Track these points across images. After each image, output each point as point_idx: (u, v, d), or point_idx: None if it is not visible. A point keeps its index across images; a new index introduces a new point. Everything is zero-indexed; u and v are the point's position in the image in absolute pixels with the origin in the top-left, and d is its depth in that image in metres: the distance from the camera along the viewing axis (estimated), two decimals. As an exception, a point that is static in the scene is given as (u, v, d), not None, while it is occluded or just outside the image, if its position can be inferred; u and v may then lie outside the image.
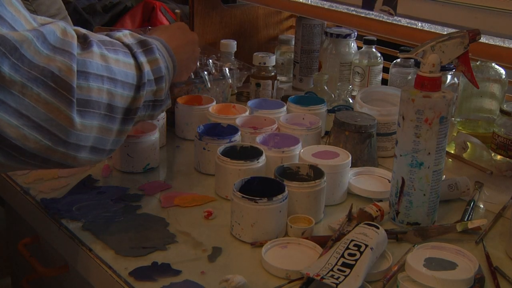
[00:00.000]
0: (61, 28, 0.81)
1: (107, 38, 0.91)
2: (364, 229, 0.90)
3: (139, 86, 0.92)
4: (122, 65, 0.89)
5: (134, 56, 0.93)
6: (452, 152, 1.30)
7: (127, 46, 0.93)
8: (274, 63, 1.50)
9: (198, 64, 1.15)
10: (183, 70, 1.12)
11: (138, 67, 0.92)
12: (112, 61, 0.87)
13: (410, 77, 1.42)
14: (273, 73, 1.50)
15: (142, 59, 0.93)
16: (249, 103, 1.36)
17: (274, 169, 1.04)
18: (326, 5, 1.35)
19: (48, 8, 2.16)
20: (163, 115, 1.28)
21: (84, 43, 0.85)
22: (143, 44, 0.96)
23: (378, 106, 1.30)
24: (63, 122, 0.79)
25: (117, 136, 0.90)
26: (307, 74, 1.66)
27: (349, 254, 0.86)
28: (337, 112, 1.25)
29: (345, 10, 1.31)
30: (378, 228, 0.91)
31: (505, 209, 1.09)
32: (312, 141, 1.22)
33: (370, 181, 1.15)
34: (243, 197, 0.95)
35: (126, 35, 0.96)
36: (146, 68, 0.93)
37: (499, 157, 1.25)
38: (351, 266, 0.84)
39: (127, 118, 0.91)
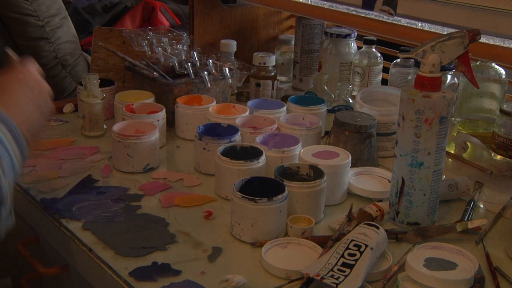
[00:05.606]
0: None
1: None
2: (364, 229, 0.90)
3: None
4: None
5: None
6: (452, 152, 1.30)
7: None
8: (274, 63, 1.50)
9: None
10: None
11: None
12: None
13: (410, 77, 1.42)
14: (273, 73, 1.50)
15: None
16: (249, 103, 1.36)
17: (274, 169, 1.04)
18: (326, 5, 1.35)
19: (48, 8, 2.15)
20: (163, 115, 1.28)
21: None
22: None
23: (378, 106, 1.30)
24: None
25: None
26: (307, 74, 1.66)
27: (349, 254, 0.86)
28: (337, 112, 1.25)
29: (345, 10, 1.31)
30: (378, 228, 0.91)
31: (505, 209, 1.09)
32: (312, 141, 1.22)
33: (370, 181, 1.15)
34: (243, 197, 0.95)
35: None
36: None
37: (499, 157, 1.25)
38: (351, 266, 0.84)
39: None
